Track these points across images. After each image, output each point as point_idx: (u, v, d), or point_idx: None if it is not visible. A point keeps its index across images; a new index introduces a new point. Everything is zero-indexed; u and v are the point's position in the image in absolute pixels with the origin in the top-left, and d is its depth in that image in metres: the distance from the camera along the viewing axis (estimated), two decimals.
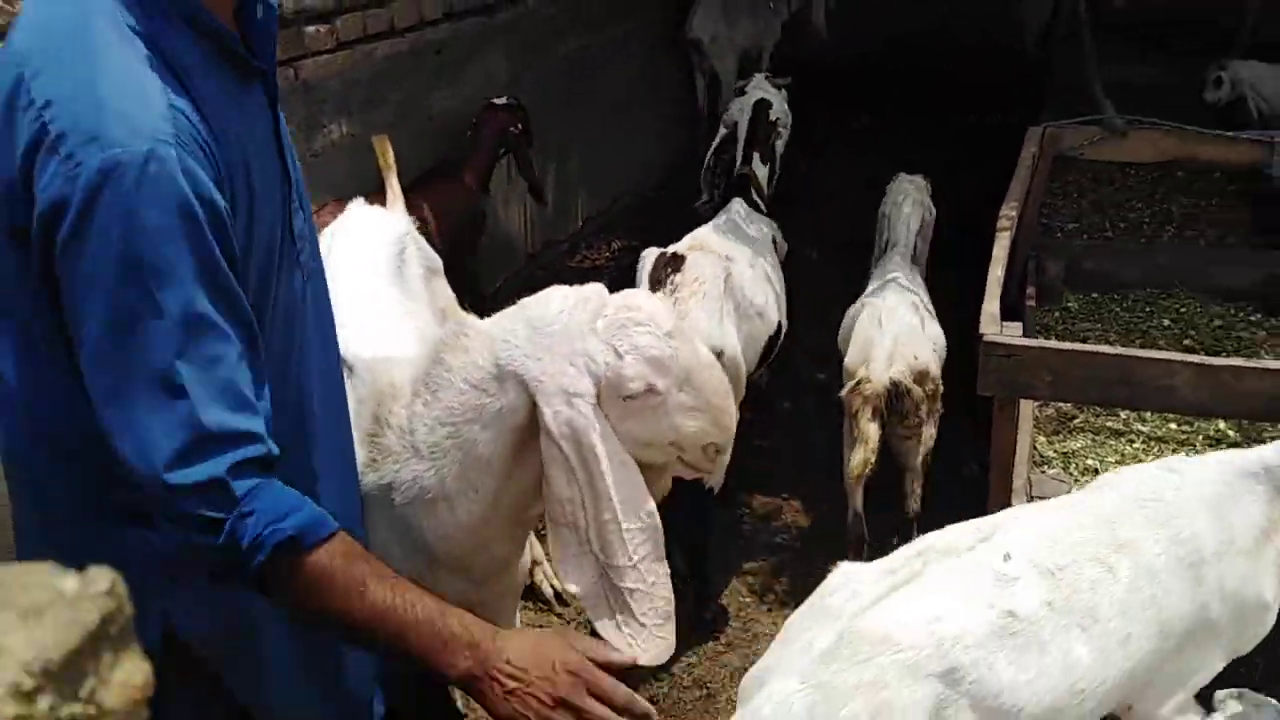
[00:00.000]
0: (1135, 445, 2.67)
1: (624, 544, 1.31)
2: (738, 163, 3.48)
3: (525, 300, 1.48)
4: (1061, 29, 5.93)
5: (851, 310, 2.96)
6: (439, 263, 2.27)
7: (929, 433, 2.74)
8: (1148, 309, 3.33)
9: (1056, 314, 3.36)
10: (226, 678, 1.28)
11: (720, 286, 2.70)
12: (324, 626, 1.20)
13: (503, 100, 4.00)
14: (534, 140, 4.19)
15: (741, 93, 3.75)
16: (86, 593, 0.29)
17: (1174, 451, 2.62)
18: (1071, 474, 2.56)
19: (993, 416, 2.33)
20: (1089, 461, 2.61)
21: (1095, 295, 3.45)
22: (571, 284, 4.53)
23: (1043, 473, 2.47)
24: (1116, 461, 2.60)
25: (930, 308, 2.95)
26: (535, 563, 2.86)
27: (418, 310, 1.98)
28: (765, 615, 2.81)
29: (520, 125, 3.98)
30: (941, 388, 2.73)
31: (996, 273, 2.57)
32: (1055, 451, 2.67)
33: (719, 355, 2.65)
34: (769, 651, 1.53)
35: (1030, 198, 3.31)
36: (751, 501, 3.31)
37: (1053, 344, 2.27)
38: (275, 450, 1.10)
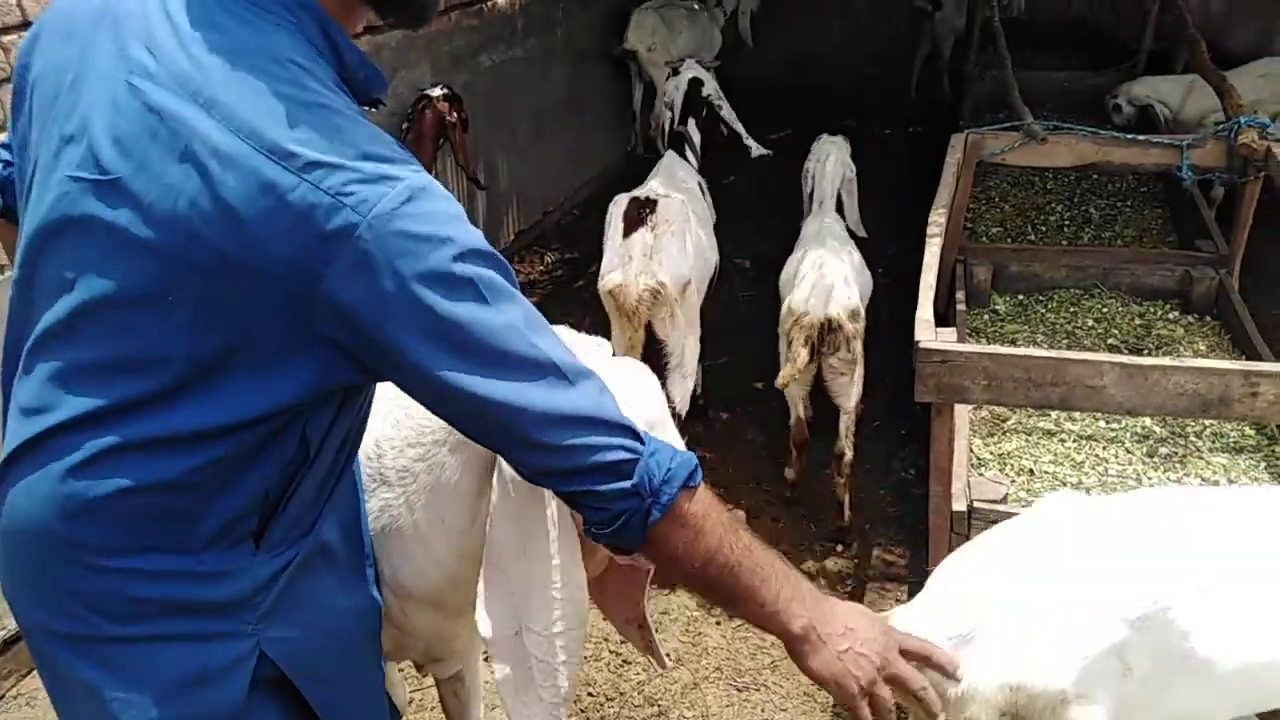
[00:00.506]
0: (1067, 445, 2.73)
1: (547, 610, 1.24)
2: (674, 124, 3.68)
3: None
4: (975, 39, 6.11)
5: (791, 259, 3.24)
6: None
7: (859, 372, 3.01)
8: (1072, 309, 3.43)
9: (985, 317, 3.44)
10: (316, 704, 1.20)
11: (686, 226, 3.10)
12: (703, 566, 1.14)
13: (437, 90, 3.95)
14: (468, 126, 4.16)
15: (675, 73, 3.85)
16: None
17: (1104, 449, 2.69)
18: (1008, 474, 2.61)
19: (930, 422, 2.36)
20: (1024, 462, 2.66)
21: (1021, 297, 3.54)
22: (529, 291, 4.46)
23: (981, 474, 2.51)
24: (1050, 460, 2.66)
25: (856, 254, 3.25)
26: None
27: None
28: (714, 629, 2.79)
29: (457, 112, 3.94)
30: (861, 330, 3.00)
31: (928, 279, 2.60)
32: (991, 453, 2.72)
33: (685, 285, 3.07)
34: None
35: (956, 204, 3.37)
36: None
37: (987, 348, 2.31)
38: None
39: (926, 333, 2.27)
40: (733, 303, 4.89)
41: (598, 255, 5.37)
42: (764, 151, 3.72)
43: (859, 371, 3.02)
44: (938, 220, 3.01)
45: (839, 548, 3.12)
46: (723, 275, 5.13)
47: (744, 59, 7.17)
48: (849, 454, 3.11)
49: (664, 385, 2.87)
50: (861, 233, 3.48)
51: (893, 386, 3.97)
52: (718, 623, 2.81)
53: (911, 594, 2.91)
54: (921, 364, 2.20)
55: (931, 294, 2.52)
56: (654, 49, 6.00)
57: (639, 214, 3.08)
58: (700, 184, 3.59)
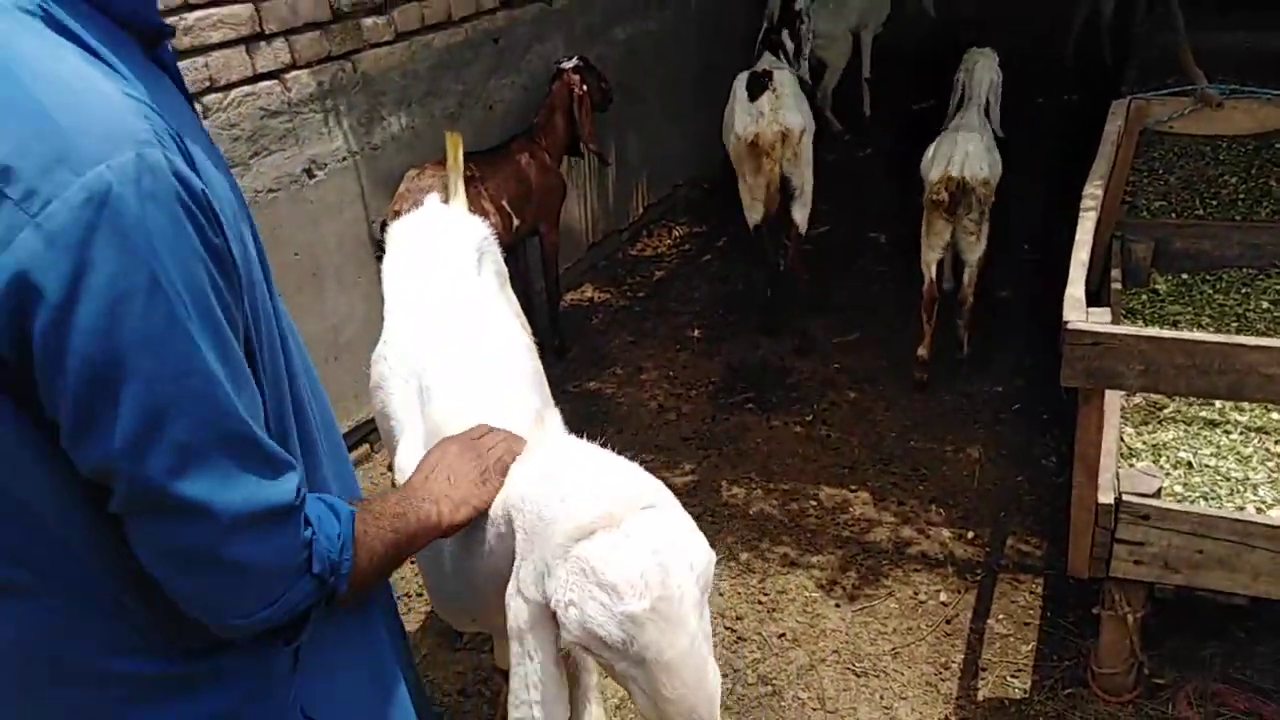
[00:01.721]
0: (1233, 437, 2.51)
1: None
2: (769, 31, 4.42)
3: (565, 445, 1.34)
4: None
5: (933, 143, 3.76)
6: (506, 272, 2.22)
7: (985, 231, 3.64)
8: (1244, 290, 3.13)
9: (1144, 297, 3.18)
10: None
11: (797, 89, 4.01)
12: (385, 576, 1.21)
13: (569, 63, 3.98)
14: (609, 98, 4.16)
15: None
16: None
17: (1276, 443, 2.45)
18: (1163, 467, 2.41)
19: (1077, 408, 2.20)
20: (1181, 454, 2.46)
21: (1185, 276, 3.26)
22: (634, 273, 4.50)
23: (1131, 465, 2.33)
24: (1212, 454, 2.44)
25: (990, 140, 3.76)
26: None
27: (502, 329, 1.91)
28: (833, 611, 2.72)
29: (585, 84, 3.95)
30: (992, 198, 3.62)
31: (1081, 256, 2.42)
32: (1144, 443, 2.52)
33: (801, 133, 3.92)
34: None
35: (1115, 175, 3.13)
36: (818, 493, 3.22)
37: (1145, 331, 2.12)
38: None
39: (1076, 312, 2.11)
40: (866, 278, 4.74)
41: (725, 230, 5.35)
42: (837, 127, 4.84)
43: (985, 234, 3.64)
44: (1093, 193, 2.80)
45: (969, 534, 2.98)
46: (856, 249, 5.00)
47: (901, 24, 6.89)
48: (970, 300, 3.74)
49: (790, 212, 4.07)
50: (1001, 134, 3.93)
51: (1035, 369, 3.76)
52: (837, 605, 2.74)
53: (1047, 586, 2.75)
54: (1070, 346, 2.05)
55: (1084, 272, 2.35)
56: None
57: (760, 82, 3.91)
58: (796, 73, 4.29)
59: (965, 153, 3.55)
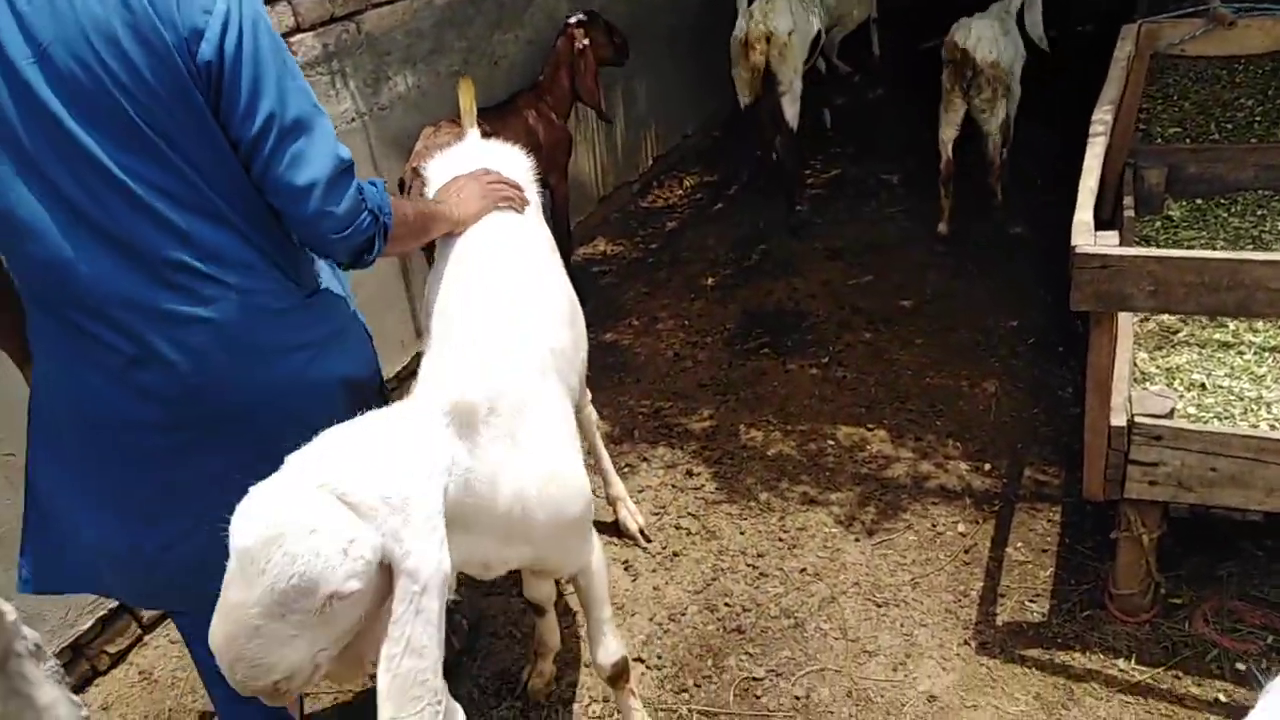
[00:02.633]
0: (1246, 358, 2.51)
1: None
2: None
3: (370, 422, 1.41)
4: None
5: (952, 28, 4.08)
6: (540, 203, 2.31)
7: (1000, 108, 4.03)
8: (1259, 212, 3.10)
9: (1157, 224, 3.17)
10: None
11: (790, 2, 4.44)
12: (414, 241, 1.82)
13: (575, 17, 3.96)
14: (624, 51, 4.18)
15: None
16: None
17: None
18: (1176, 390, 2.42)
19: (1088, 333, 2.21)
20: (1195, 376, 2.46)
21: (1200, 201, 3.23)
22: (645, 224, 4.53)
23: (1144, 389, 2.35)
24: (1226, 374, 2.45)
25: (1015, 33, 4.13)
26: (618, 499, 2.88)
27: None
28: (853, 545, 2.77)
29: (589, 38, 3.93)
30: (1008, 80, 4.03)
31: (1089, 182, 2.41)
32: (1158, 367, 2.53)
33: (788, 35, 4.32)
34: None
35: (1125, 101, 3.09)
36: (835, 432, 3.25)
37: (1152, 251, 2.12)
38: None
39: (1084, 236, 2.11)
40: (880, 220, 4.72)
41: (736, 179, 5.33)
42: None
43: (1000, 112, 4.04)
44: (1102, 119, 2.77)
45: (986, 466, 3.01)
46: (868, 192, 4.97)
47: None
48: (998, 160, 4.18)
49: (780, 108, 4.47)
50: (1045, 45, 4.30)
51: (1050, 303, 3.76)
52: (856, 540, 2.78)
53: (1065, 514, 2.78)
54: (1079, 270, 2.05)
55: (1092, 197, 2.34)
56: None
57: None
58: None
59: (978, 35, 3.92)
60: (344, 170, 1.52)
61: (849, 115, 6.03)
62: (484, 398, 1.50)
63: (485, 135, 3.50)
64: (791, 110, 4.48)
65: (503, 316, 1.75)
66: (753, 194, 5.18)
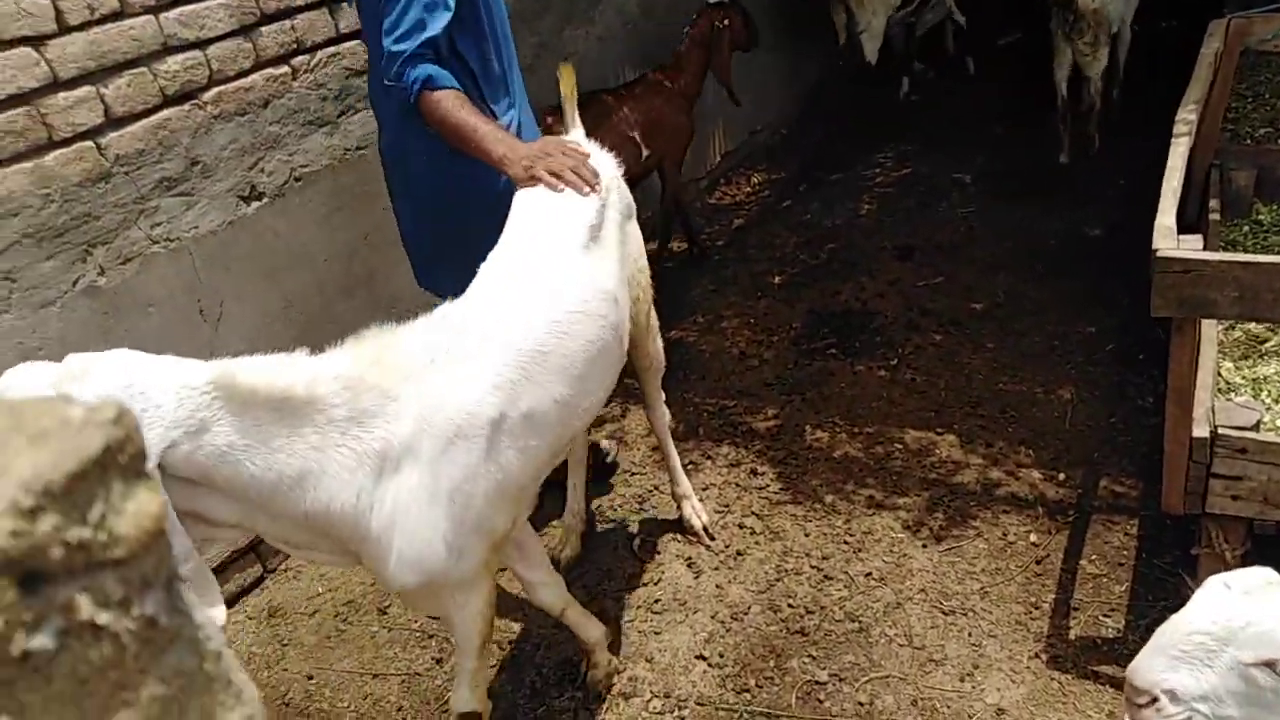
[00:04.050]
0: None
1: None
2: None
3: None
4: None
5: None
6: (633, 207, 2.31)
7: (1102, 54, 4.46)
8: None
9: (1245, 228, 3.05)
10: None
11: None
12: (441, 126, 2.15)
13: None
14: (755, 39, 4.27)
15: None
16: (92, 420, 0.30)
17: None
18: (1263, 401, 2.33)
19: (1170, 340, 2.14)
20: None
21: None
22: (713, 221, 4.54)
23: (1229, 400, 2.26)
24: None
25: None
26: (683, 497, 2.88)
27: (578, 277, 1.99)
28: (920, 551, 2.73)
29: (727, 22, 4.02)
30: (1115, 28, 4.43)
31: (1172, 183, 2.33)
32: (1244, 378, 2.44)
33: None
34: None
35: (1212, 100, 2.99)
36: (903, 436, 3.20)
37: (1238, 256, 2.04)
38: (431, 57, 2.15)
39: (1167, 239, 2.04)
40: (950, 220, 4.63)
41: (804, 176, 5.29)
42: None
43: (1101, 58, 4.46)
44: (1187, 118, 2.68)
45: (1060, 475, 2.94)
46: (941, 191, 4.89)
47: None
48: (1097, 104, 4.69)
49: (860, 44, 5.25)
50: None
51: (1130, 308, 3.65)
52: (924, 546, 2.74)
53: (1142, 528, 2.70)
54: (1160, 274, 1.99)
55: (1175, 199, 2.26)
56: None
57: None
58: None
59: None
60: (397, 54, 2.11)
61: (922, 113, 5.93)
62: (283, 388, 1.50)
63: (607, 110, 3.65)
64: (870, 46, 5.08)
65: (452, 354, 1.69)
66: (821, 192, 5.13)
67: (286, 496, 1.51)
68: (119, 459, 0.30)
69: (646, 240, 2.67)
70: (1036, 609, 2.50)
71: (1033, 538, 2.73)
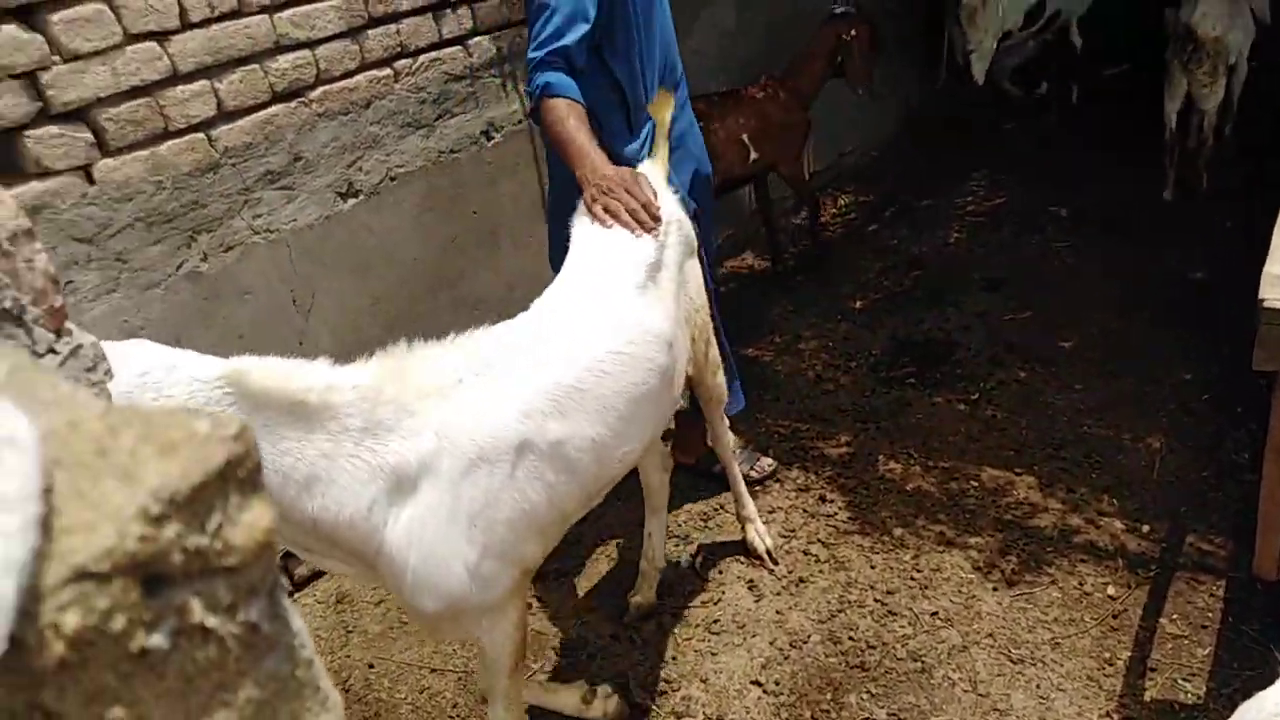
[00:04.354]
0: None
1: None
2: None
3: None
4: None
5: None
6: (695, 244, 2.30)
7: (1218, 87, 4.32)
8: None
9: None
10: None
11: None
12: (550, 142, 2.28)
13: (841, 8, 4.08)
14: (877, 49, 4.26)
15: None
16: (216, 435, 0.31)
17: None
18: None
19: (1272, 398, 2.05)
20: None
21: None
22: (797, 240, 4.52)
23: None
24: None
25: (1248, 16, 4.29)
26: (747, 519, 2.86)
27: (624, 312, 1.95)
28: (989, 594, 2.65)
29: (854, 32, 4.05)
30: (1233, 59, 4.27)
31: None
32: None
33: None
34: None
35: None
36: (980, 474, 3.12)
37: None
38: (559, 66, 2.23)
39: (1275, 290, 1.95)
40: (1044, 254, 4.51)
41: (893, 200, 5.21)
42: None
43: (1218, 91, 4.32)
44: None
45: (1144, 528, 2.82)
46: (1035, 223, 4.77)
47: None
48: (1209, 140, 4.50)
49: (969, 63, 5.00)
50: (1267, 18, 4.38)
51: (1231, 358, 3.49)
52: (994, 589, 2.67)
53: (1229, 590, 2.58)
54: (1266, 325, 1.90)
55: None
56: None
57: None
58: None
59: (1204, 10, 4.17)
60: (531, 61, 2.25)
61: (1018, 141, 5.80)
62: (297, 391, 1.49)
63: (705, 115, 3.69)
64: (979, 67, 4.92)
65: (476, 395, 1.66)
66: (910, 218, 5.05)
67: (293, 499, 1.51)
68: (238, 473, 0.31)
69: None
70: (1110, 665, 2.41)
71: (1110, 590, 2.63)
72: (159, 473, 0.29)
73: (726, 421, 2.69)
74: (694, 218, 2.42)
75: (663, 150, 2.43)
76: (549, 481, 1.69)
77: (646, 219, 2.03)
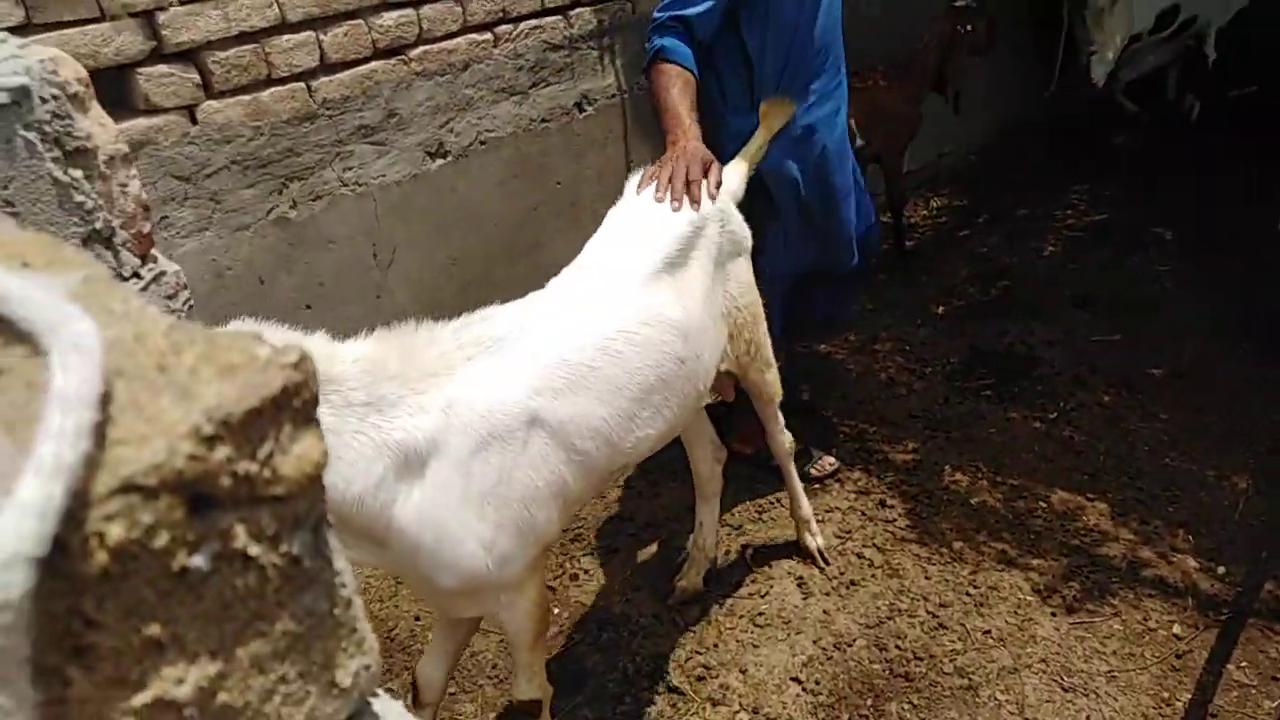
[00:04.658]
0: None
1: None
2: None
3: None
4: None
5: None
6: (747, 243, 2.23)
7: None
8: None
9: None
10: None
11: None
12: (653, 98, 2.32)
13: (962, 1, 4.01)
14: (993, 42, 4.18)
15: None
16: (275, 361, 0.30)
17: None
18: None
19: None
20: None
21: None
22: (884, 239, 4.39)
23: None
24: None
25: None
26: (803, 521, 2.81)
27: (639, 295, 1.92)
28: (1047, 618, 2.57)
29: (969, 26, 3.97)
30: None
31: None
32: None
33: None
34: None
35: None
36: (1050, 495, 3.03)
37: None
38: (680, 31, 2.31)
39: None
40: (1142, 275, 4.33)
41: (988, 206, 5.06)
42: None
43: None
44: None
45: (1219, 569, 2.70)
46: (1137, 243, 4.58)
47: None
48: None
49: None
50: None
51: None
52: (1052, 614, 2.59)
53: None
54: None
55: None
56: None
57: None
58: None
59: None
60: (654, 21, 2.34)
61: (1129, 159, 5.57)
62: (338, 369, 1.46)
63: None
64: (1099, 70, 4.87)
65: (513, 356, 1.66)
66: (1004, 226, 4.90)
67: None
68: (293, 402, 0.30)
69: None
70: (1169, 706, 2.32)
71: (1176, 629, 2.53)
72: (215, 394, 0.29)
73: (781, 420, 2.64)
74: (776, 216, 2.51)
75: (752, 153, 2.37)
76: (561, 459, 1.68)
77: (682, 193, 2.02)
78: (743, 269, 2.22)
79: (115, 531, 0.26)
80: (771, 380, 2.45)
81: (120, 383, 0.28)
